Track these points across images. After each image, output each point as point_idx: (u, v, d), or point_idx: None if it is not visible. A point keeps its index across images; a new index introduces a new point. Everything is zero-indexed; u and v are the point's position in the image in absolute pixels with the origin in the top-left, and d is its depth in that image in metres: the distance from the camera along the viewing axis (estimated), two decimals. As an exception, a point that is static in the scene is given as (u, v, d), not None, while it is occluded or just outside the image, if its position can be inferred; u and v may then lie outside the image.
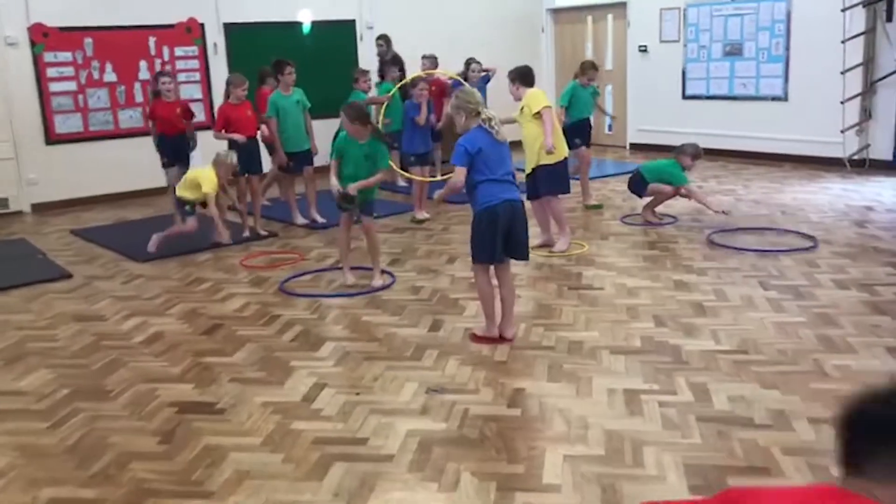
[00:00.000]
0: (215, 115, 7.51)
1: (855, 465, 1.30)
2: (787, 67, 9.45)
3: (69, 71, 8.77)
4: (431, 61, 8.90)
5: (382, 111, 7.77)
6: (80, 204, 8.89)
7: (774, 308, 4.65)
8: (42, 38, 8.57)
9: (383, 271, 5.60)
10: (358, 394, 3.75)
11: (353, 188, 5.18)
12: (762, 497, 1.40)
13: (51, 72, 8.66)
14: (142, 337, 4.68)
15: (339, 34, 10.22)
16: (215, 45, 9.62)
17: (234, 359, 4.27)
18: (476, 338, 4.35)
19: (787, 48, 9.41)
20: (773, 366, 3.85)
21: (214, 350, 4.42)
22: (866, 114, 8.86)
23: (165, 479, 3.06)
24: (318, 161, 7.41)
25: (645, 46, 11.00)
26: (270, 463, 3.14)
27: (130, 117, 9.17)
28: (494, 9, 11.67)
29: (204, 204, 6.46)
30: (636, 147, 11.31)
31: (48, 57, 8.63)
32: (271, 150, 7.34)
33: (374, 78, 9.10)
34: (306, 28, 10.14)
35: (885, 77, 8.63)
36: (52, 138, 8.76)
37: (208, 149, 7.34)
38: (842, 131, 8.86)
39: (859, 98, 8.80)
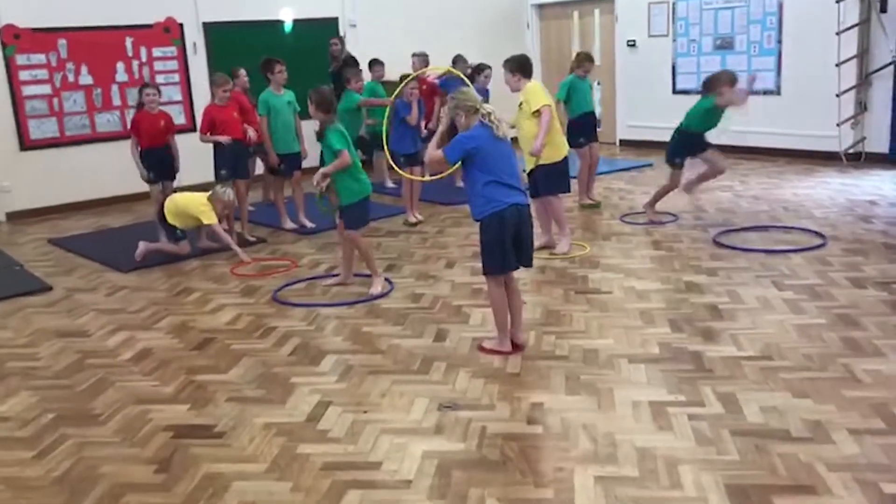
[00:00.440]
0: (196, 116, 7.19)
1: None
2: (779, 61, 9.32)
3: (43, 74, 8.44)
4: (422, 59, 8.63)
5: (367, 113, 7.46)
6: (57, 211, 8.58)
7: (793, 309, 4.47)
8: (13, 39, 8.22)
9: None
10: (366, 412, 3.52)
11: (317, 178, 5.01)
12: None
13: (23, 75, 8.33)
14: (129, 353, 4.41)
15: (321, 32, 9.94)
16: (195, 44, 9.31)
17: (229, 376, 4.02)
18: (485, 350, 4.14)
19: (780, 41, 9.28)
20: (801, 372, 3.67)
21: (208, 367, 4.16)
22: (862, 106, 8.74)
23: (164, 513, 2.82)
24: (307, 164, 7.16)
25: (633, 41, 10.83)
26: (277, 492, 2.90)
27: (108, 121, 8.85)
28: (477, 5, 11.46)
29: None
30: (626, 143, 11.13)
31: (20, 59, 8.29)
32: (261, 152, 7.07)
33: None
34: (288, 26, 9.87)
35: (880, 69, 8.52)
36: (26, 144, 8.43)
37: (188, 153, 7.07)
38: (837, 124, 8.73)
39: (854, 91, 8.68)
